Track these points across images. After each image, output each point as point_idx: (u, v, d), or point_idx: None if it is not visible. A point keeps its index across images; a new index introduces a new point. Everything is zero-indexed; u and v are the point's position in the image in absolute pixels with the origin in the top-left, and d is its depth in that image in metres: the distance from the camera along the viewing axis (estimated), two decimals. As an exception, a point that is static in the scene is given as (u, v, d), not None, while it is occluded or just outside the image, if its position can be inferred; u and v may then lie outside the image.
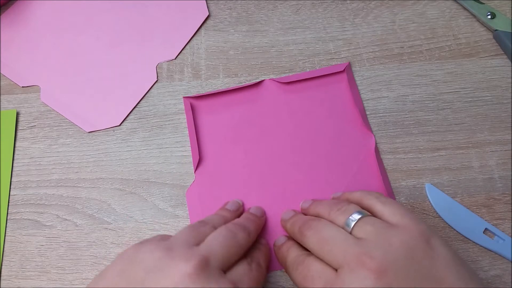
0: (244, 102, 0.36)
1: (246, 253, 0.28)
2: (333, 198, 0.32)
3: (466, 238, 0.31)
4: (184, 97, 0.36)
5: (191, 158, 0.34)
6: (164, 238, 0.27)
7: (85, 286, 0.31)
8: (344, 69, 0.36)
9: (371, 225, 0.25)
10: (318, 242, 0.26)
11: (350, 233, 0.25)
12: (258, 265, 0.28)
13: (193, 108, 0.36)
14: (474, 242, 0.31)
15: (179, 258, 0.24)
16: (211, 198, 0.33)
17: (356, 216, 0.26)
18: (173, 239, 0.26)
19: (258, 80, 0.36)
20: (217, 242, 0.26)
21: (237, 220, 0.30)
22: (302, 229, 0.28)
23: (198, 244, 0.26)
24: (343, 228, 0.26)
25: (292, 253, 0.28)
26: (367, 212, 0.27)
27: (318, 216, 0.29)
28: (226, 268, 0.26)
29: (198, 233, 0.27)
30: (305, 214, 0.31)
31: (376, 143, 0.34)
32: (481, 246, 0.31)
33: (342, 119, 0.35)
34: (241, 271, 0.26)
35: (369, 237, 0.24)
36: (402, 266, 0.23)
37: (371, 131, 0.34)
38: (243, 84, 0.36)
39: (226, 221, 0.29)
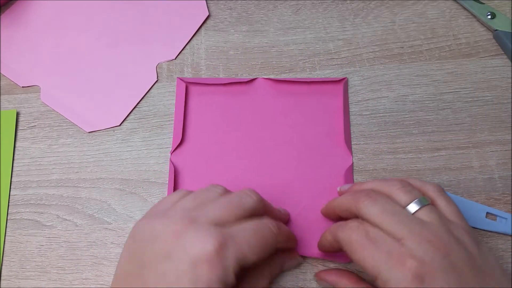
0: (234, 96, 0.36)
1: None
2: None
3: (472, 227, 0.31)
4: (178, 78, 0.37)
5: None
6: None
7: (85, 286, 0.31)
8: (341, 83, 0.36)
9: (437, 214, 0.25)
10: (380, 213, 0.25)
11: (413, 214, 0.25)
12: (276, 225, 0.26)
13: (185, 91, 0.36)
14: (479, 228, 0.31)
15: (170, 221, 0.24)
16: (186, 178, 0.34)
17: (424, 202, 0.26)
18: (171, 207, 0.26)
19: (251, 77, 0.37)
20: (217, 205, 0.25)
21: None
22: (360, 197, 0.26)
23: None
24: (403, 207, 0.26)
25: (340, 225, 0.27)
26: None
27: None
28: (222, 224, 0.24)
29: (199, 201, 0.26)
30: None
31: (352, 165, 0.34)
32: (486, 230, 0.31)
33: (327, 131, 0.35)
34: (248, 225, 0.25)
35: (433, 222, 0.25)
36: (462, 257, 0.24)
37: (351, 152, 0.34)
38: (237, 78, 0.37)
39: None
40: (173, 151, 0.34)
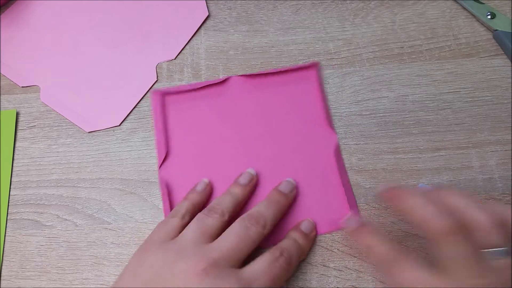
0: (211, 98, 0.36)
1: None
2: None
3: None
4: (152, 91, 0.36)
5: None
6: (165, 239, 0.28)
7: (85, 286, 0.31)
8: (314, 68, 0.36)
9: (507, 268, 0.23)
10: (456, 259, 0.23)
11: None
12: (287, 261, 0.27)
13: (162, 103, 0.36)
14: None
15: (188, 258, 0.25)
16: (180, 191, 0.33)
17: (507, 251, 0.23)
18: (178, 239, 0.28)
19: (225, 77, 0.37)
20: (228, 241, 0.27)
21: (253, 210, 0.29)
22: (440, 228, 0.23)
23: (173, 238, 0.28)
24: (484, 247, 0.23)
25: (382, 245, 0.26)
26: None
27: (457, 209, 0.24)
28: (240, 264, 0.26)
29: (168, 228, 0.28)
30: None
31: (338, 143, 0.34)
32: None
33: (308, 116, 0.35)
34: (261, 266, 0.26)
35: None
36: None
37: (334, 131, 0.34)
38: (210, 80, 0.37)
39: (194, 206, 0.30)
40: (160, 166, 0.34)
